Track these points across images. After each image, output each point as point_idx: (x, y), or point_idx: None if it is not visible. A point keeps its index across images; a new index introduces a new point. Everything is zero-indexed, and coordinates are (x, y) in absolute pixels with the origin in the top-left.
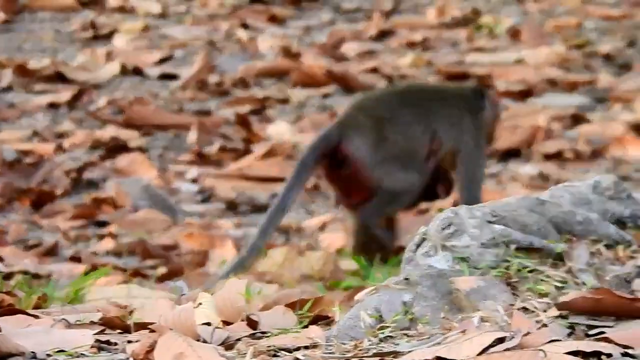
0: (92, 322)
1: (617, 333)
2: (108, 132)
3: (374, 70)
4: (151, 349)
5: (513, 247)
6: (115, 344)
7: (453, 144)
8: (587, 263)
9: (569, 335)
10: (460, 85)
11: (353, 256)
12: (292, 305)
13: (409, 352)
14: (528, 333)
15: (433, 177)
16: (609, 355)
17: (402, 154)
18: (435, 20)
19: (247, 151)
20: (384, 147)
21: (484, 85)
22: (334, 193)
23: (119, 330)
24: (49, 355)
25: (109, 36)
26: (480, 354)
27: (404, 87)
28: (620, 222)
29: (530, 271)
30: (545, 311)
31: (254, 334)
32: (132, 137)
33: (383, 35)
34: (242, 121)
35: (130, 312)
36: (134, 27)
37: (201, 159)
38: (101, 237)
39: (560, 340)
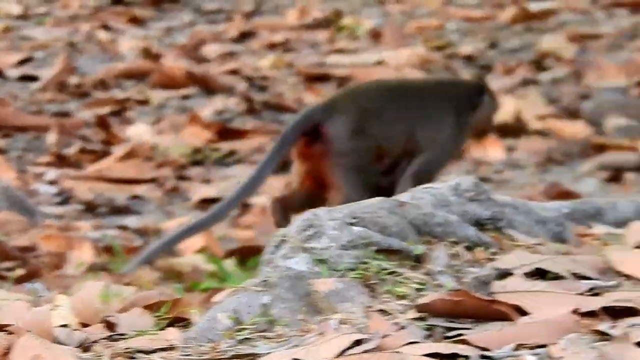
0: None
1: (475, 335)
2: None
3: (235, 71)
4: (7, 351)
5: (372, 249)
6: None
7: (429, 143)
8: (446, 265)
9: (427, 337)
10: (460, 81)
11: (210, 258)
12: (150, 307)
13: (267, 354)
14: (386, 335)
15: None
16: (467, 357)
17: (367, 157)
18: (297, 22)
19: (106, 153)
20: (356, 141)
21: (483, 80)
22: (301, 170)
23: None
24: None
25: None
26: (338, 356)
27: (399, 81)
28: (480, 224)
29: (389, 273)
30: (403, 313)
31: (111, 336)
32: None
33: (244, 36)
34: (102, 123)
35: None
36: None
37: (60, 160)
38: None
39: (419, 342)
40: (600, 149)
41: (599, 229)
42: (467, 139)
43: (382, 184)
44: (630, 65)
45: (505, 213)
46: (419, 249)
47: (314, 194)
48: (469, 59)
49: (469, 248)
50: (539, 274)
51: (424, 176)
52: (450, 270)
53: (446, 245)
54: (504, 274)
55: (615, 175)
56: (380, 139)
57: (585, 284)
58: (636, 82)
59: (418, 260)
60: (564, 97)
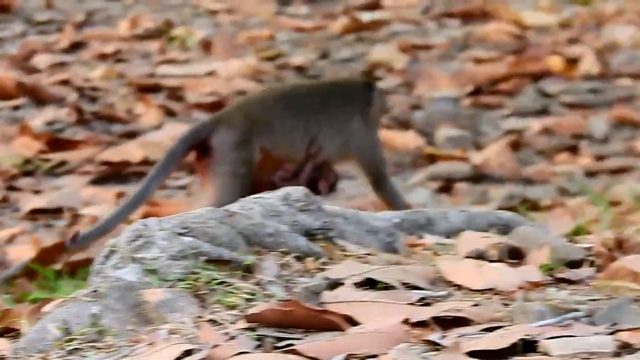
0: None
1: (306, 345)
2: None
3: (65, 82)
4: None
5: (202, 259)
6: None
7: (340, 147)
8: (277, 275)
9: (258, 347)
10: (348, 80)
11: (40, 268)
12: None
13: None
14: (216, 345)
15: (315, 174)
16: None
17: (245, 172)
18: (128, 32)
19: None
20: (239, 152)
21: (372, 78)
22: (203, 182)
23: None
24: None
25: None
26: None
27: (290, 87)
28: (311, 234)
29: (219, 283)
30: (234, 323)
31: None
32: None
33: (75, 47)
34: None
35: None
36: None
37: None
38: None
39: (249, 352)
40: (432, 159)
41: (429, 239)
42: (378, 130)
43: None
44: (461, 75)
45: (336, 223)
46: (249, 259)
47: None
48: (300, 70)
49: (299, 258)
50: (370, 284)
51: (380, 177)
52: (280, 280)
53: (276, 255)
54: (335, 284)
55: (446, 185)
56: (272, 148)
57: (416, 294)
58: (467, 93)
59: (248, 271)
60: (396, 108)
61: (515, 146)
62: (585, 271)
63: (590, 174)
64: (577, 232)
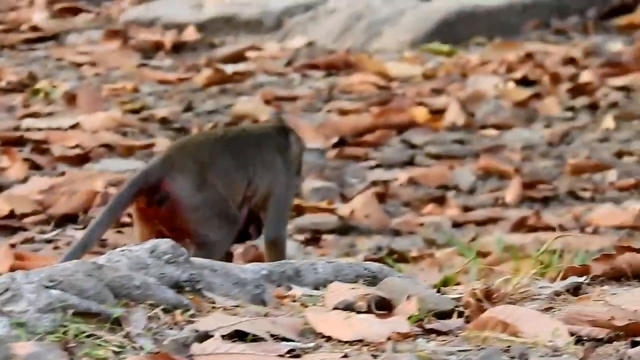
0: None
1: None
2: None
3: None
4: None
5: (71, 311)
6: None
7: (267, 188)
8: (145, 327)
9: None
10: (265, 125)
11: None
12: None
13: None
14: None
15: (245, 219)
16: None
17: (219, 202)
18: None
19: None
20: (204, 193)
21: (284, 121)
22: (145, 230)
23: None
24: None
25: None
26: None
27: (225, 131)
28: (179, 286)
29: (88, 336)
30: None
31: None
32: None
33: None
34: None
35: None
36: None
37: None
38: None
39: None
40: (298, 211)
41: (297, 290)
42: (298, 176)
43: (232, 234)
44: (326, 127)
45: (204, 275)
46: (117, 311)
47: None
48: (164, 122)
49: (167, 310)
50: (239, 336)
51: (279, 222)
52: (149, 332)
53: (145, 307)
54: (203, 337)
55: (314, 237)
56: (222, 188)
57: (285, 346)
58: (332, 144)
59: (116, 323)
60: None
61: (382, 197)
62: (454, 322)
63: (457, 224)
64: (446, 282)
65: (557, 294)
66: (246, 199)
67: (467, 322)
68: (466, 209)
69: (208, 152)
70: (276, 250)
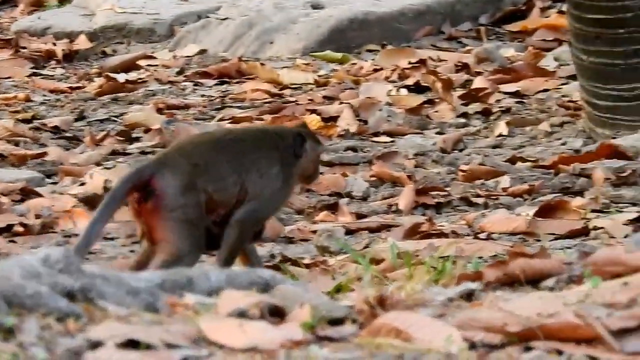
0: None
1: None
2: None
3: None
4: None
5: None
6: None
7: (258, 193)
8: (38, 336)
9: None
10: (281, 129)
11: None
12: None
13: None
14: None
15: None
16: None
17: (196, 213)
18: None
19: None
20: (187, 196)
21: (304, 127)
22: (141, 233)
23: None
24: None
25: None
26: None
27: (224, 133)
28: (71, 295)
29: None
30: None
31: None
32: None
33: None
34: None
35: None
36: None
37: None
38: None
39: None
40: None
41: (191, 298)
42: (294, 186)
43: (215, 233)
44: None
45: (96, 284)
46: (9, 320)
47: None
48: (56, 131)
49: (60, 319)
50: (132, 344)
51: (250, 223)
52: (42, 341)
53: (37, 317)
54: (96, 345)
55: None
56: (213, 191)
57: (178, 354)
58: None
59: (9, 332)
60: None
61: None
62: (347, 329)
63: (351, 231)
64: (339, 289)
65: (451, 300)
66: (238, 202)
67: (361, 328)
68: (359, 216)
69: (203, 153)
70: (235, 233)
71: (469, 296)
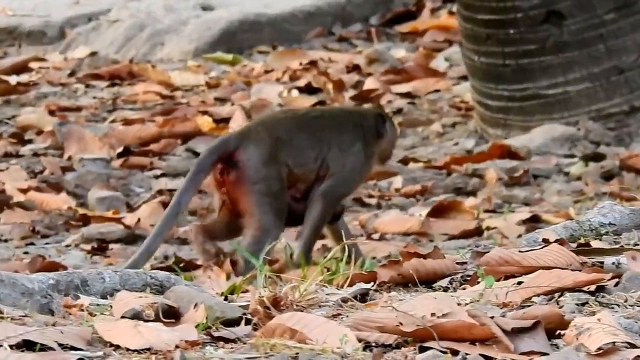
0: None
1: None
2: None
3: None
4: None
5: None
6: None
7: (338, 169)
8: None
9: None
10: (362, 109)
11: None
12: None
13: None
14: None
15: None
16: None
17: (278, 186)
18: None
19: None
20: (269, 168)
21: (382, 109)
22: (218, 199)
23: None
24: None
25: None
26: None
27: (307, 110)
28: None
29: None
30: None
31: None
32: None
33: None
34: None
35: None
36: None
37: None
38: None
39: None
40: (85, 220)
41: (85, 299)
42: (373, 165)
43: (295, 209)
44: (110, 136)
45: None
46: None
47: (232, 222)
48: None
49: None
50: (27, 345)
51: (332, 198)
52: None
53: None
54: None
55: (100, 246)
56: (293, 166)
57: (74, 355)
58: (117, 154)
59: None
60: (47, 169)
61: (167, 206)
62: (242, 329)
63: None
64: (233, 291)
65: (345, 300)
66: (319, 178)
67: (255, 329)
68: None
69: (286, 128)
70: (317, 207)
71: (363, 296)
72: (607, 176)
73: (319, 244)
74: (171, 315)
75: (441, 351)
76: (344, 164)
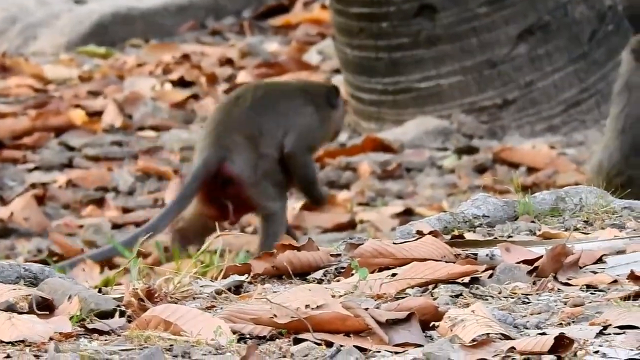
0: None
1: None
2: None
3: None
4: None
5: None
6: None
7: (296, 126)
8: None
9: None
10: (314, 82)
11: None
12: None
13: None
14: None
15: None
16: None
17: (274, 172)
18: None
19: None
20: (261, 167)
21: (334, 84)
22: (206, 207)
23: None
24: None
25: None
26: None
27: (252, 92)
28: None
29: None
30: None
31: None
32: None
33: None
34: None
35: None
36: None
37: None
38: None
39: None
40: None
41: None
42: (329, 130)
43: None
44: None
45: None
46: None
47: (205, 224)
48: None
49: None
50: None
51: (302, 146)
52: None
53: None
54: None
55: None
56: (273, 150)
57: None
58: None
59: None
60: None
61: (41, 200)
62: (116, 321)
63: (117, 226)
64: (107, 283)
65: (219, 292)
66: (282, 152)
67: (129, 321)
68: (125, 210)
69: (252, 122)
70: (297, 161)
71: (237, 289)
72: (480, 169)
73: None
74: (45, 307)
75: (316, 343)
76: (301, 123)
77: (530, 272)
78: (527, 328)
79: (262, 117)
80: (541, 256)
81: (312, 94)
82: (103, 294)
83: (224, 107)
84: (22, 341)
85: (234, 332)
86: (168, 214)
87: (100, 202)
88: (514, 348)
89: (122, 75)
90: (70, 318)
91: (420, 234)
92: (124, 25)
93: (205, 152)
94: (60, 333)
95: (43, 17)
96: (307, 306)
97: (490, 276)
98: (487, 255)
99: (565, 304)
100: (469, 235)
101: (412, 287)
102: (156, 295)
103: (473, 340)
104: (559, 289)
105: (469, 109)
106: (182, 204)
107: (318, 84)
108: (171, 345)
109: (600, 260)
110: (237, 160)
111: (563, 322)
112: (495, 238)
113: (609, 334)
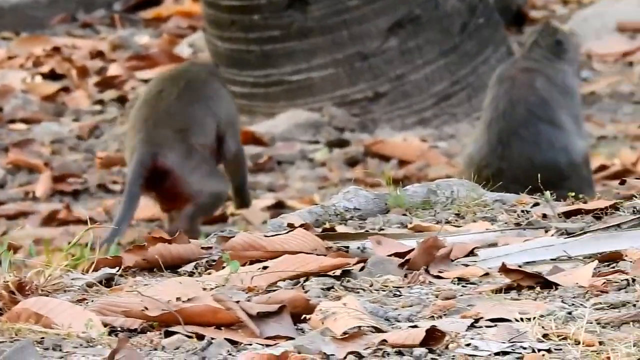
0: None
1: None
2: None
3: None
4: None
5: None
6: None
7: (226, 120)
8: None
9: None
10: (203, 62)
11: None
12: None
13: None
14: None
15: None
16: None
17: (206, 160)
18: None
19: None
20: (194, 157)
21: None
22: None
23: None
24: None
25: None
26: None
27: (182, 81)
28: None
29: None
30: None
31: None
32: None
33: None
34: None
35: None
36: None
37: None
38: None
39: None
40: None
41: None
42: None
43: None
44: None
45: None
46: None
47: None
48: None
49: None
50: None
51: (239, 145)
52: None
53: None
54: None
55: None
56: (203, 142)
57: None
58: None
59: None
60: None
61: None
62: None
63: None
64: None
65: (90, 285)
66: (220, 131)
67: (0, 314)
68: None
69: (182, 114)
70: (237, 164)
71: (108, 281)
72: (352, 162)
73: (59, 229)
74: None
75: (187, 336)
76: (226, 108)
77: (401, 265)
78: (398, 321)
79: (191, 107)
80: (413, 249)
81: (214, 73)
82: None
83: (147, 102)
84: None
85: (105, 325)
86: (123, 219)
87: None
88: (386, 341)
89: None
90: None
91: (291, 226)
92: None
93: (137, 151)
94: None
95: None
96: (178, 299)
97: (362, 269)
98: (358, 248)
99: (437, 297)
100: (340, 228)
101: (284, 280)
102: (27, 288)
103: (344, 333)
104: (430, 281)
105: (340, 102)
106: (132, 204)
107: (206, 63)
108: (42, 338)
109: (471, 253)
110: (169, 154)
111: (435, 315)
112: (367, 231)
113: (481, 326)
